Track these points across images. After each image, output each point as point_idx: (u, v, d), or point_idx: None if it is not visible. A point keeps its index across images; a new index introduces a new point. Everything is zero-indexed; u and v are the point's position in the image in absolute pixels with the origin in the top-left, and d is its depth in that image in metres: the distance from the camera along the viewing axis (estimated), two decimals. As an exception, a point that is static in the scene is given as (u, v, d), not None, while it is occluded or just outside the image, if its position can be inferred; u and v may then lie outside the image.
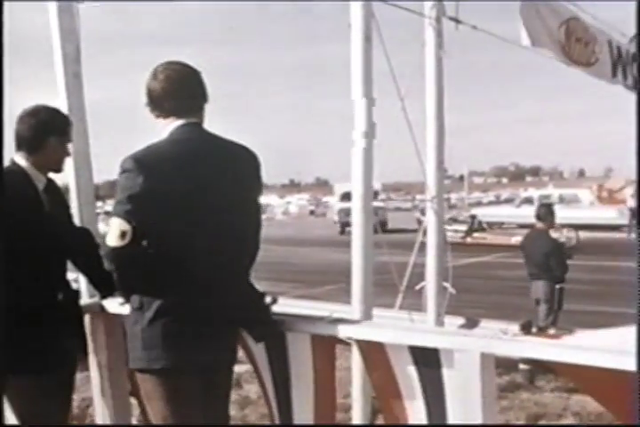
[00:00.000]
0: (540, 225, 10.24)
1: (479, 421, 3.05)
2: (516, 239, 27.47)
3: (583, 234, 31.54)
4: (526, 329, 10.22)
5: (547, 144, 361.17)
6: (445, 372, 3.16)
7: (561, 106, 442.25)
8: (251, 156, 3.69)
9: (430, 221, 7.88)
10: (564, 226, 28.65)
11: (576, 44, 8.42)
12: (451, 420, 3.22)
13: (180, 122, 3.55)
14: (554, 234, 10.73)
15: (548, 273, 9.88)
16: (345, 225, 34.96)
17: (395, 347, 3.25)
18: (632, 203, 31.72)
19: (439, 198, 7.77)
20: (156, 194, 3.28)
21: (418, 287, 8.19)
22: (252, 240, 3.62)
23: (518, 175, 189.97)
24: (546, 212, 10.21)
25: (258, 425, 6.85)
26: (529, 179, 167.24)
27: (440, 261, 7.93)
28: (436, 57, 7.61)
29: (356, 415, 6.64)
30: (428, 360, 3.19)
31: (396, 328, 3.28)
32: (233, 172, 3.53)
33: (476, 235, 29.60)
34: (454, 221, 29.96)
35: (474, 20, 7.73)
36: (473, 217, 29.99)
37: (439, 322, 7.84)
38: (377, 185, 42.20)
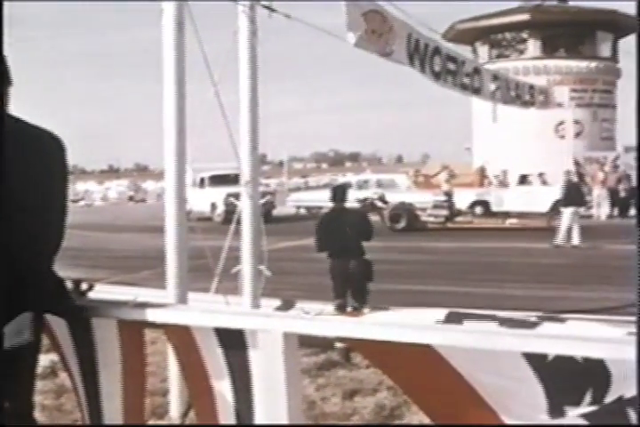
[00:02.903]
0: (337, 205, 10.70)
1: (284, 399, 3.13)
2: (511, 222, 27.87)
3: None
4: (341, 309, 10.52)
5: (366, 131, 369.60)
6: (251, 352, 3.21)
7: (380, 94, 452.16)
8: (55, 141, 3.62)
9: (245, 205, 7.97)
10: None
11: (372, 35, 8.72)
12: (257, 399, 3.28)
13: None
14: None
15: (359, 247, 10.24)
16: (233, 212, 32.35)
17: (200, 329, 3.29)
18: (446, 187, 32.88)
19: (253, 183, 7.86)
20: None
21: (234, 271, 8.27)
22: (57, 227, 3.56)
23: (338, 161, 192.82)
24: (343, 191, 10.90)
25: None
26: (348, 164, 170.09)
27: (255, 245, 8.03)
28: (250, 44, 7.68)
29: (174, 399, 6.69)
30: (233, 342, 3.23)
31: (201, 311, 3.30)
32: (36, 157, 3.46)
33: (459, 219, 29.24)
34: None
35: (290, 9, 7.85)
36: (449, 202, 29.27)
37: (255, 304, 7.96)
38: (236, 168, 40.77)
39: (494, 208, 31.74)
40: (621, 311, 10.78)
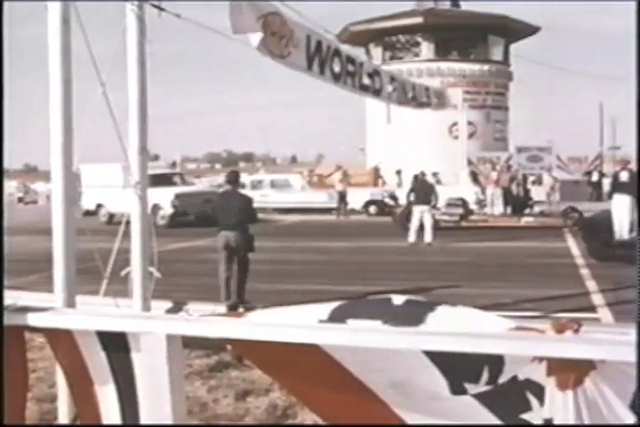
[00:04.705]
0: (229, 188, 12.84)
1: (168, 402, 3.11)
2: (527, 220, 27.51)
3: (296, 217, 32.63)
4: (234, 310, 10.54)
5: (260, 131, 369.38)
6: (134, 355, 3.18)
7: (273, 94, 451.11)
8: None
9: (134, 206, 7.87)
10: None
11: (271, 37, 8.72)
12: (141, 402, 3.25)
13: None
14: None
15: (243, 224, 11.97)
16: (181, 214, 29.87)
17: (82, 333, 3.23)
18: (340, 187, 33.17)
19: (142, 184, 7.77)
20: None
21: (123, 273, 8.17)
22: None
23: (231, 161, 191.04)
24: (235, 176, 12.97)
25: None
26: (242, 165, 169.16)
27: (145, 247, 7.94)
28: (138, 43, 7.58)
29: (62, 405, 6.56)
30: (116, 345, 3.18)
31: (82, 314, 3.26)
32: None
33: (473, 218, 28.36)
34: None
35: (180, 8, 7.79)
36: (463, 200, 28.38)
37: (146, 307, 7.87)
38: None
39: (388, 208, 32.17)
40: (512, 307, 11.07)
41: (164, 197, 28.89)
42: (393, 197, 28.78)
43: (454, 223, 26.33)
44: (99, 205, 31.05)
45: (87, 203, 32.61)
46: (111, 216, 30.39)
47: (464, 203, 27.86)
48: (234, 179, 12.79)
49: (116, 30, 7.55)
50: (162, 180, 30.39)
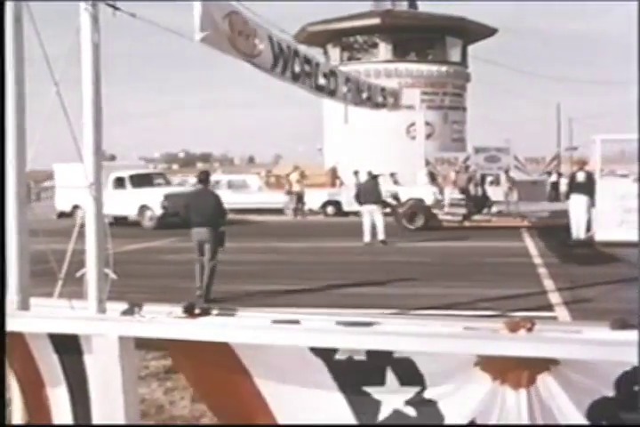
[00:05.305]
0: (200, 186, 13.71)
1: (120, 403, 3.09)
2: (530, 220, 27.43)
3: (253, 218, 32.55)
4: (189, 311, 10.47)
5: (217, 132, 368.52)
6: (86, 357, 3.16)
7: (230, 94, 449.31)
8: None
9: (89, 207, 7.77)
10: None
11: (239, 37, 8.68)
12: (94, 404, 3.23)
13: None
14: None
15: (213, 221, 12.66)
16: (170, 215, 27.46)
17: (34, 336, 3.20)
18: (298, 188, 33.17)
19: (97, 185, 7.68)
20: None
21: (78, 274, 8.08)
22: None
23: (189, 162, 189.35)
24: (206, 175, 13.78)
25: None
26: (200, 165, 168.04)
27: (100, 248, 7.85)
28: (92, 43, 7.49)
29: (16, 409, 6.47)
30: (68, 347, 3.17)
31: (33, 316, 3.23)
32: None
33: (477, 218, 27.92)
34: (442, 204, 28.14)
35: (136, 8, 7.73)
36: (465, 200, 27.99)
37: (101, 308, 7.78)
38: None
39: (345, 208, 32.27)
40: (469, 306, 11.14)
41: (152, 198, 28.44)
42: (395, 197, 28.41)
43: (457, 223, 26.29)
44: (75, 207, 29.99)
45: (62, 204, 32.06)
46: None
47: (467, 203, 27.80)
48: (205, 178, 13.57)
49: (69, 29, 7.47)
50: (147, 180, 30.39)
